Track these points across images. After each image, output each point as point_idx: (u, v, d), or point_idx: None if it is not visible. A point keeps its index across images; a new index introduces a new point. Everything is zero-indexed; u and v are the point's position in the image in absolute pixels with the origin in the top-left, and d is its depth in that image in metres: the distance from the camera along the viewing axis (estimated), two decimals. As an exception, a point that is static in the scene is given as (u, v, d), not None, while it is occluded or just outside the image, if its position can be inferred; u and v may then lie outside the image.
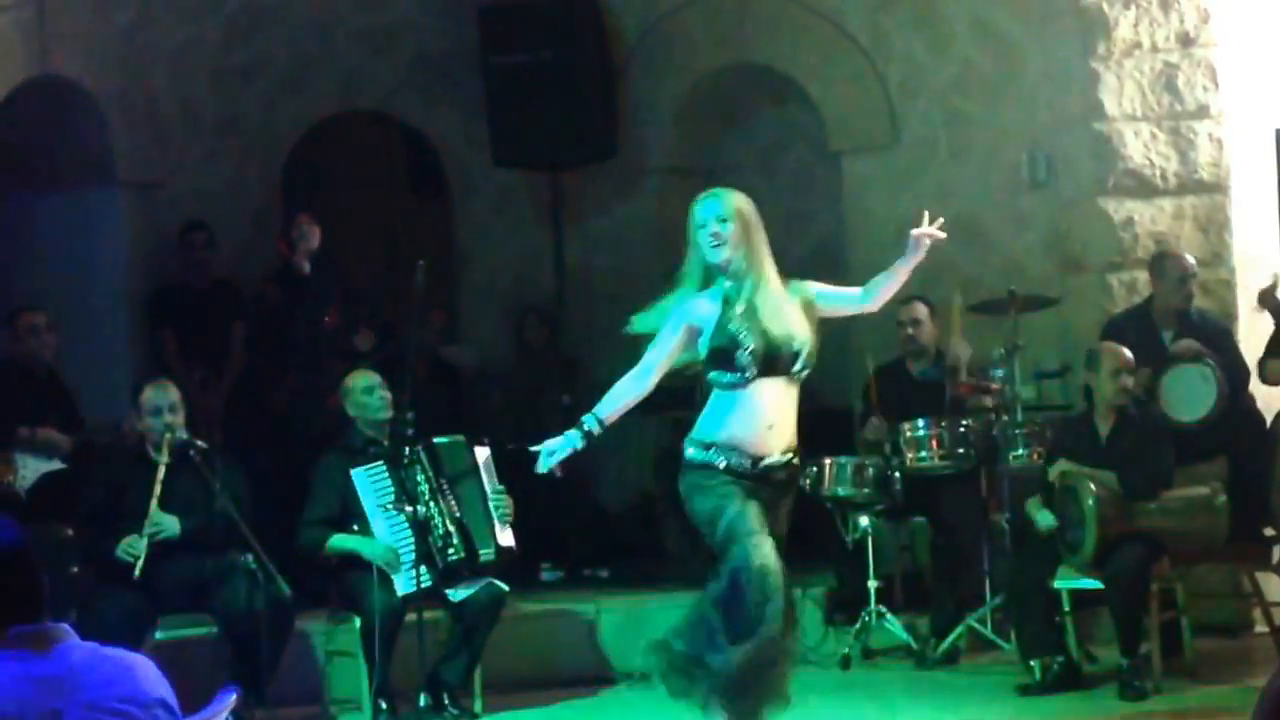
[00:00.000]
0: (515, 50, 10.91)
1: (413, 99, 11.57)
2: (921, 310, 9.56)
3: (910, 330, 9.55)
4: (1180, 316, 9.17)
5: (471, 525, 8.24)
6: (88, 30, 10.14)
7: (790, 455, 6.48)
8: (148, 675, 3.72)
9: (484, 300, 11.70)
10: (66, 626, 3.67)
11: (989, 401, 9.18)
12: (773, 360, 6.33)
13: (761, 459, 6.39)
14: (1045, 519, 8.32)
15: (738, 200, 6.50)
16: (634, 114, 11.20)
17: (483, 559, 8.25)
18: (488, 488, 8.37)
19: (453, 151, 11.65)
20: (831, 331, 6.90)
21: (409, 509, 8.01)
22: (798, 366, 6.38)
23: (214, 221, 10.52)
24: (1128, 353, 8.44)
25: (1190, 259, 9.32)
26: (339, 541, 8.19)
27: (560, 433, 10.75)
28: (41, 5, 9.78)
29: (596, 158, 11.10)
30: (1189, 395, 8.82)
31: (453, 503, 8.22)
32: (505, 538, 8.34)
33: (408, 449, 8.17)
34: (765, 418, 6.37)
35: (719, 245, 6.39)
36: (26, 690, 3.55)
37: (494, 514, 8.30)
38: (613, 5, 11.19)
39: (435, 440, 8.33)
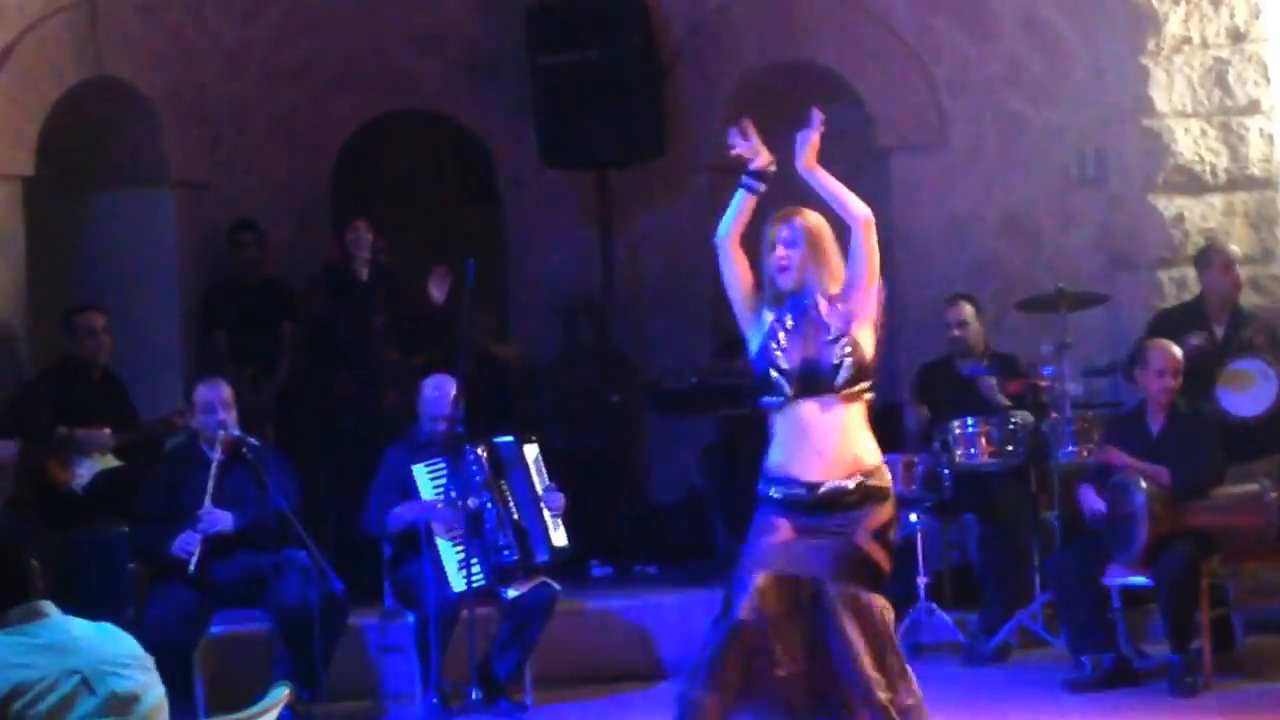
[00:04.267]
0: (563, 50, 10.93)
1: (461, 99, 11.61)
2: (968, 310, 9.59)
3: (956, 331, 9.58)
4: (1232, 311, 9.16)
5: (528, 526, 8.29)
6: (140, 32, 10.21)
7: (860, 478, 5.82)
8: (132, 639, 4.07)
9: (533, 299, 11.72)
10: (49, 603, 4.01)
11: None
12: (810, 379, 5.87)
13: (820, 485, 5.82)
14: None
15: (809, 222, 6.07)
16: (682, 112, 11.21)
17: (538, 561, 8.30)
18: (539, 486, 8.41)
19: (501, 151, 11.68)
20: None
21: (463, 503, 8.06)
22: (840, 379, 5.85)
23: (263, 221, 10.58)
24: (1177, 352, 8.43)
25: (1235, 248, 9.32)
26: (396, 517, 8.28)
27: (609, 430, 10.90)
28: (94, 7, 9.85)
29: (644, 157, 11.11)
30: (1248, 391, 8.81)
31: (510, 503, 8.26)
32: (559, 537, 8.39)
33: (469, 447, 8.23)
34: (813, 440, 5.85)
35: (785, 270, 6.00)
36: (39, 657, 3.85)
37: (546, 514, 8.35)
38: (660, 4, 11.19)
39: (495, 440, 8.38)
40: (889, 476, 5.95)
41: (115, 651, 3.96)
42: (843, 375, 5.85)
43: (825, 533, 5.80)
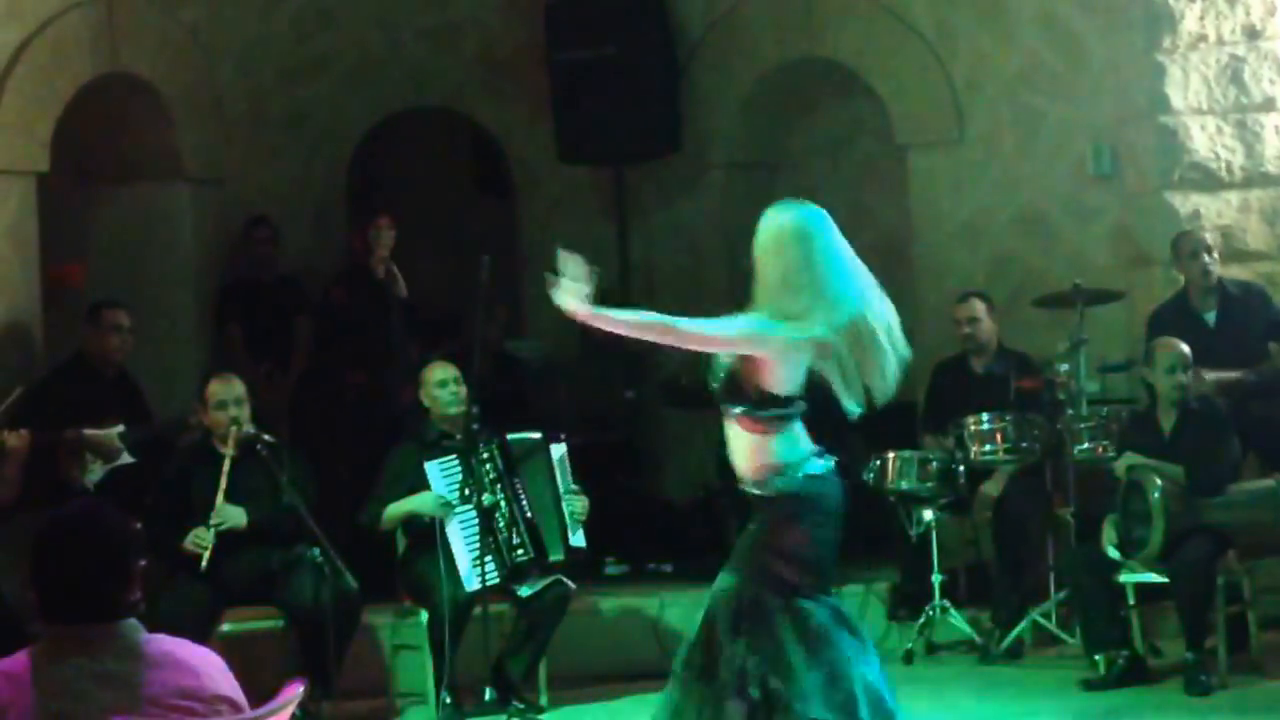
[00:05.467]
0: (580, 46, 10.93)
1: (478, 96, 11.61)
2: (979, 307, 9.56)
3: (968, 329, 9.55)
4: (1220, 293, 9.15)
5: (542, 525, 8.27)
6: (156, 27, 10.23)
7: (750, 487, 5.64)
8: (212, 671, 3.75)
9: (549, 295, 11.69)
10: (134, 621, 3.70)
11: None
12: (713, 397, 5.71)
13: (742, 485, 5.70)
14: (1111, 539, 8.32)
15: (764, 230, 5.63)
16: (699, 108, 11.20)
17: (552, 560, 8.28)
18: (561, 487, 8.39)
19: (518, 147, 11.68)
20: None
21: (477, 498, 8.05)
22: (723, 404, 5.62)
23: (279, 217, 10.58)
24: (1184, 348, 8.41)
25: (1204, 233, 9.30)
26: (394, 509, 8.27)
27: (625, 427, 10.88)
28: (109, 3, 9.87)
29: (661, 153, 11.12)
30: None
31: (524, 501, 8.24)
32: (576, 539, 8.37)
33: (482, 444, 8.22)
34: (730, 447, 5.69)
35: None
36: (89, 686, 3.59)
37: (566, 514, 8.33)
38: (677, 0, 11.21)
39: (510, 436, 8.36)
40: None
41: (177, 687, 3.65)
42: (723, 401, 5.65)
43: None
